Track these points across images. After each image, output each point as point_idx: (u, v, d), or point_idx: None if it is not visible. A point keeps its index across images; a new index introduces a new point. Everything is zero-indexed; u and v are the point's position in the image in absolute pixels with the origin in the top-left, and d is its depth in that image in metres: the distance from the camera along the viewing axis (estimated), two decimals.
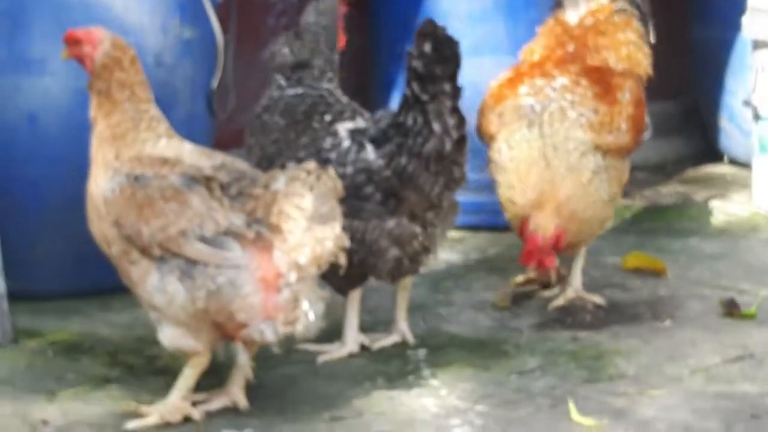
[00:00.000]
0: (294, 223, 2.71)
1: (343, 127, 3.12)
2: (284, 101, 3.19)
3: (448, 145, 3.02)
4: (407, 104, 3.04)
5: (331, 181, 2.73)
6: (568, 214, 3.21)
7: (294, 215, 2.71)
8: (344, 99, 3.21)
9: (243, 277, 2.71)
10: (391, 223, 3.04)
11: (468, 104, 3.95)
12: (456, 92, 3.02)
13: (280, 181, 2.73)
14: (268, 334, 2.74)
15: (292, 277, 2.72)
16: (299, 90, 3.19)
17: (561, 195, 3.21)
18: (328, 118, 3.14)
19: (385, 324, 3.27)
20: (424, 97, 3.00)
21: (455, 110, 3.02)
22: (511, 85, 3.36)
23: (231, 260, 2.71)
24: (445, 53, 3.00)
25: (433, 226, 3.08)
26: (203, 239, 2.71)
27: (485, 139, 3.38)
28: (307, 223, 2.70)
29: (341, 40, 3.29)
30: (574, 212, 3.22)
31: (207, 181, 2.75)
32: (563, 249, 3.24)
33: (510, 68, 3.43)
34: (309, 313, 2.74)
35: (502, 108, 3.33)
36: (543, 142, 3.24)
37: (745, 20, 4.10)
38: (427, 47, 3.00)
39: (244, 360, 2.82)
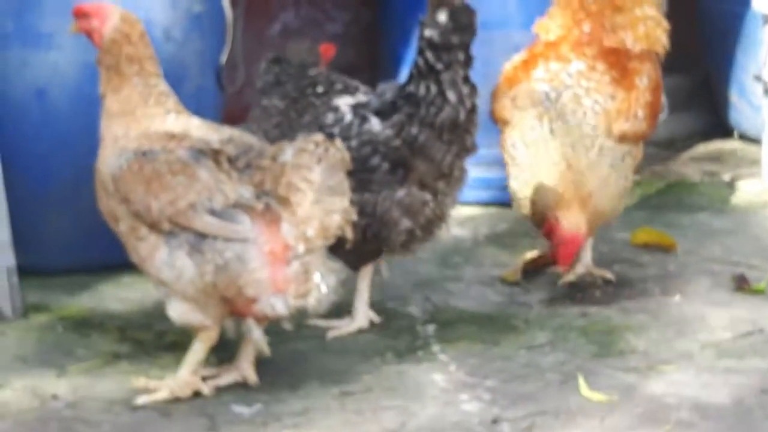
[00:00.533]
0: (302, 195, 2.70)
1: (344, 102, 3.11)
2: (280, 85, 3.18)
3: (462, 114, 3.02)
4: (419, 74, 3.03)
5: (339, 152, 2.72)
6: (593, 210, 3.22)
7: (302, 187, 2.70)
8: (337, 77, 3.20)
9: (251, 252, 2.71)
10: (401, 193, 3.04)
11: (479, 79, 3.96)
12: (469, 61, 3.01)
13: (287, 153, 2.72)
14: (279, 307, 2.74)
15: (300, 249, 2.71)
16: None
17: (584, 192, 3.20)
18: (320, 90, 3.13)
19: (397, 299, 3.28)
20: (439, 66, 3.00)
21: (467, 79, 3.02)
22: (526, 68, 3.33)
23: (240, 233, 2.70)
24: (462, 22, 2.99)
25: (444, 195, 3.08)
26: (212, 212, 2.71)
27: (499, 123, 3.36)
28: (315, 195, 2.70)
29: (327, 54, 3.29)
30: (596, 206, 3.23)
31: (215, 154, 2.75)
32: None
33: (525, 49, 3.40)
34: (321, 286, 2.74)
35: (515, 92, 3.31)
36: (560, 142, 3.22)
37: None
38: (443, 16, 2.99)
39: (258, 336, 2.82)
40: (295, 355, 3.00)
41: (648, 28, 3.41)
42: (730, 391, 2.79)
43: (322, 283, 2.74)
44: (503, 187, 4.02)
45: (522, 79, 3.30)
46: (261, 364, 2.86)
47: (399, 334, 3.11)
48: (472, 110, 3.04)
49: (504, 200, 4.02)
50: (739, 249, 3.63)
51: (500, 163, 3.99)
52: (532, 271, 3.47)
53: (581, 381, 2.82)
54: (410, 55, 4.00)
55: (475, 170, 4.02)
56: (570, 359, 2.95)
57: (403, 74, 4.01)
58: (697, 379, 2.85)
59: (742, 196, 4.10)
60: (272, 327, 3.11)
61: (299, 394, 2.82)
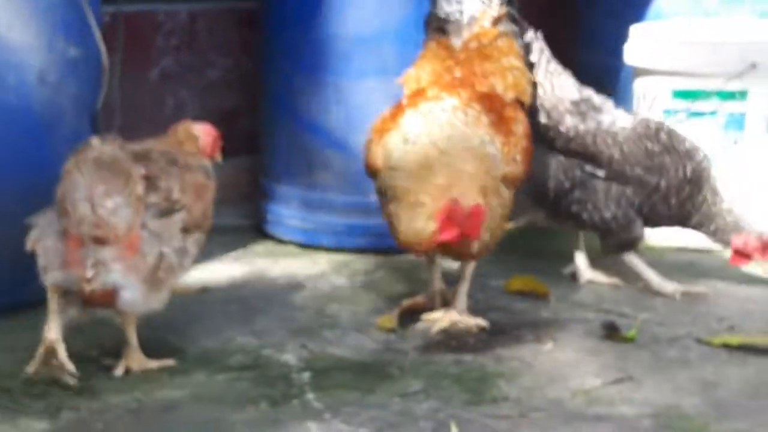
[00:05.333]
0: None
1: None
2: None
3: None
4: None
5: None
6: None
7: None
8: None
9: None
10: None
11: (356, 126, 4.00)
12: None
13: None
14: None
15: None
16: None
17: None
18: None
19: (273, 347, 3.27)
20: None
21: None
22: (393, 118, 3.31)
23: None
24: None
25: None
26: None
27: (371, 172, 3.33)
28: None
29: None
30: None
31: None
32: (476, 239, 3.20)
33: (392, 105, 3.38)
34: None
35: (385, 140, 3.30)
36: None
37: (627, 47, 4.18)
38: None
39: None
40: (168, 404, 2.97)
41: (516, 78, 3.47)
42: None
43: None
44: (380, 234, 4.06)
45: (391, 128, 3.30)
46: (130, 412, 2.82)
47: (274, 383, 3.10)
48: None
49: (381, 246, 4.05)
50: (610, 297, 3.69)
51: (375, 211, 4.03)
52: (408, 317, 3.49)
53: (454, 428, 2.84)
54: (290, 101, 4.05)
55: (352, 217, 4.07)
56: (443, 407, 2.97)
57: (283, 119, 4.05)
58: (568, 426, 2.88)
59: None
60: (143, 375, 3.09)
61: None
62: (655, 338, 3.39)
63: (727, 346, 3.32)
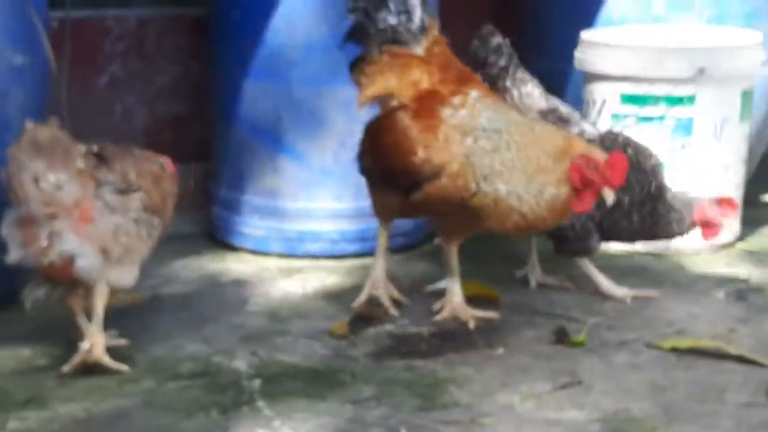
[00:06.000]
0: None
1: None
2: None
3: None
4: None
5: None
6: None
7: None
8: None
9: None
10: None
11: (306, 132, 3.99)
12: None
13: None
14: None
15: None
16: None
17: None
18: None
19: (224, 354, 3.26)
20: None
21: None
22: (433, 115, 3.31)
23: None
24: None
25: None
26: None
27: (427, 171, 3.29)
28: None
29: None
30: None
31: None
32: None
33: (402, 107, 3.37)
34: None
35: (440, 132, 3.28)
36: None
37: (577, 52, 4.20)
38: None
39: None
40: (117, 413, 2.95)
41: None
42: None
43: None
44: (332, 240, 4.06)
45: (440, 123, 3.28)
46: (79, 421, 2.80)
47: (224, 390, 3.09)
48: None
49: (333, 253, 4.05)
50: (560, 301, 3.71)
51: (331, 216, 4.04)
52: (360, 324, 3.49)
53: None
54: (240, 109, 4.04)
55: (303, 224, 4.07)
56: (394, 413, 2.97)
57: (233, 129, 4.03)
58: (518, 431, 2.89)
59: None
60: (95, 383, 3.07)
61: None
62: (605, 342, 3.40)
63: (676, 350, 3.34)
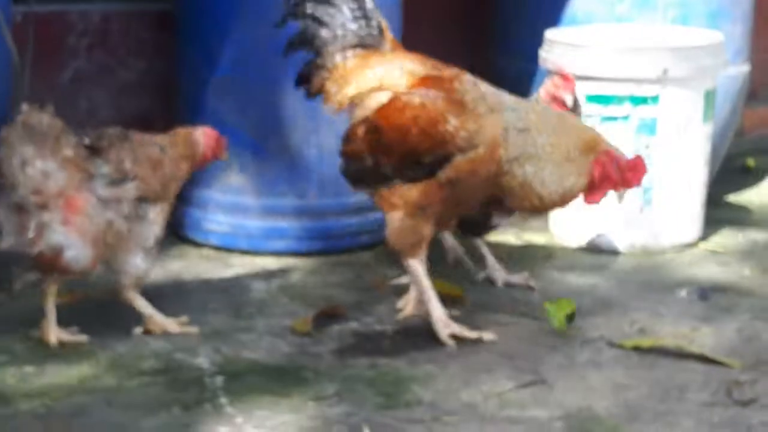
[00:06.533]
0: None
1: None
2: None
3: None
4: None
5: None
6: None
7: None
8: None
9: None
10: None
11: (270, 128, 3.99)
12: None
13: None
14: None
15: None
16: None
17: None
18: None
19: (186, 350, 3.25)
20: None
21: None
22: (454, 102, 3.26)
23: None
24: None
25: None
26: None
27: (444, 151, 3.24)
28: None
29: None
30: None
31: None
32: None
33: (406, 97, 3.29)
34: None
35: (469, 101, 3.25)
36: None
37: (542, 52, 4.21)
38: None
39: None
40: (78, 409, 2.94)
41: None
42: None
43: None
44: (298, 237, 4.05)
45: (460, 107, 3.24)
46: (39, 418, 2.78)
47: (187, 387, 3.08)
48: None
49: (297, 250, 4.04)
50: (525, 299, 3.72)
51: (295, 213, 4.03)
52: (324, 320, 3.49)
53: None
54: (205, 104, 4.02)
55: (270, 220, 4.06)
56: (357, 411, 2.97)
57: (198, 123, 4.01)
58: (481, 430, 2.90)
59: (529, 248, 4.21)
60: (54, 379, 3.05)
61: None
62: (568, 341, 3.41)
63: (638, 349, 3.36)
